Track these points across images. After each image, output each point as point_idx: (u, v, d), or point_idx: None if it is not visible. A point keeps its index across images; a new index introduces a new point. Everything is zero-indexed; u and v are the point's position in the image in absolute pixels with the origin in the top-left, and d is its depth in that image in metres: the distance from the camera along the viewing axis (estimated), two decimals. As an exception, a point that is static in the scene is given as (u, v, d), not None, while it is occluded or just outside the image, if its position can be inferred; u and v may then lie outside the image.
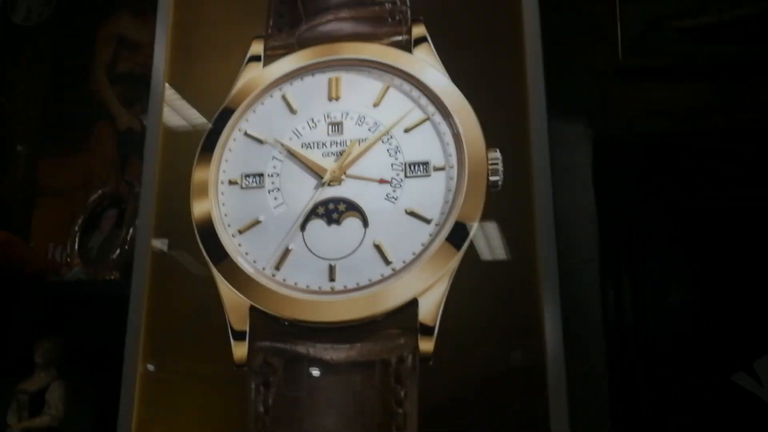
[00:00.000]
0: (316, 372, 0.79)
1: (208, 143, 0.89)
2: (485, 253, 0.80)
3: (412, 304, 0.79)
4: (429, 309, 0.78)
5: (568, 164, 1.26)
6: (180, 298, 0.86)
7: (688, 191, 1.30)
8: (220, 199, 0.87)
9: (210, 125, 0.90)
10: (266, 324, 0.81)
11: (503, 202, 0.81)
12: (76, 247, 1.25)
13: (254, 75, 0.90)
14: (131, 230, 1.21)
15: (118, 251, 1.20)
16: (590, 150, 1.28)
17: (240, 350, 0.81)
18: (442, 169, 0.83)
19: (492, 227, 0.80)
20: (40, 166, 1.42)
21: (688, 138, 1.32)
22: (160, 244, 0.88)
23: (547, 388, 0.76)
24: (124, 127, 1.43)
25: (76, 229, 1.27)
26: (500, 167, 0.81)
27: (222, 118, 0.90)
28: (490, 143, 0.83)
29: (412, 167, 0.84)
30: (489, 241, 0.80)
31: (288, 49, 0.91)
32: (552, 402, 0.76)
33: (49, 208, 1.38)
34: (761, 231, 1.27)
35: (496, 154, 0.82)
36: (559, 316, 0.78)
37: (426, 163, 0.84)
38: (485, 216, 0.81)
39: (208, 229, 0.85)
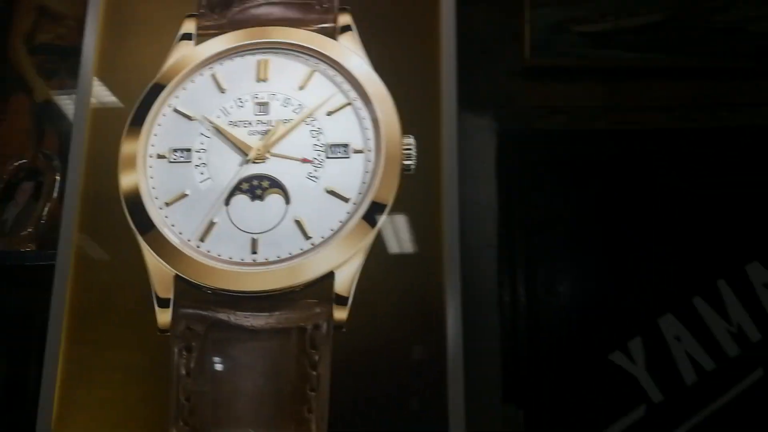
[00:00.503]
0: (236, 337, 0.82)
1: (137, 117, 0.91)
2: (397, 231, 0.86)
3: (329, 277, 0.84)
4: (344, 281, 0.84)
5: (475, 155, 1.35)
6: (106, 268, 0.87)
7: (580, 184, 1.41)
8: (148, 171, 0.89)
9: (139, 100, 0.91)
10: (190, 292, 0.85)
11: (415, 185, 0.88)
12: (-8, 217, 1.23)
13: (185, 53, 0.93)
14: (48, 204, 1.21)
15: (34, 224, 1.20)
16: (495, 142, 1.37)
17: (164, 316, 0.84)
18: (360, 151, 0.89)
19: (404, 207, 0.86)
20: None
21: (583, 135, 1.43)
22: (85, 215, 0.89)
23: (447, 356, 0.83)
24: (42, 99, 1.41)
25: (-9, 200, 1.24)
26: (413, 152, 0.88)
27: (152, 94, 0.92)
28: (406, 129, 0.89)
29: (333, 149, 0.89)
30: (400, 220, 0.86)
31: (219, 30, 0.94)
32: (450, 370, 0.83)
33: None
34: (642, 221, 1.39)
35: (411, 140, 0.88)
36: (460, 294, 0.84)
37: (346, 146, 0.89)
38: (398, 197, 0.86)
39: (135, 201, 0.88)
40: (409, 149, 0.88)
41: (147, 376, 0.85)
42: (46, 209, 1.20)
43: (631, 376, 1.34)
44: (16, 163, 1.26)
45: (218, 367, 0.83)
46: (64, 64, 1.41)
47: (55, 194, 1.22)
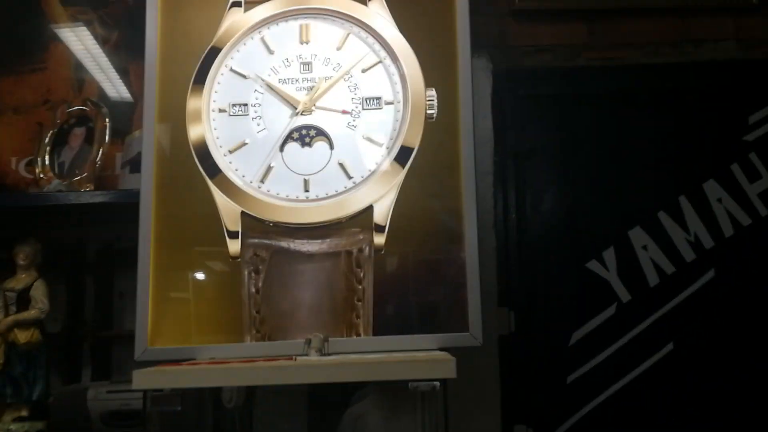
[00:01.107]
0: (296, 260, 1.00)
1: (199, 76, 1.05)
2: (423, 170, 1.03)
3: (369, 209, 1.02)
4: (381, 212, 1.01)
5: (473, 93, 1.50)
6: (182, 205, 1.03)
7: (563, 116, 1.58)
8: (212, 124, 1.04)
9: (200, 61, 1.04)
10: (255, 225, 1.01)
11: (436, 130, 1.04)
12: (47, 161, 1.36)
13: (236, 19, 1.07)
14: (102, 147, 1.34)
15: (91, 167, 1.33)
16: (490, 80, 1.52)
17: (234, 246, 1.01)
18: (391, 103, 1.05)
19: (428, 150, 1.03)
20: (-2, 84, 1.47)
21: (566, 71, 1.59)
22: (161, 163, 1.04)
23: (466, 270, 1.01)
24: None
25: (46, 143, 1.37)
26: (435, 103, 1.03)
27: (210, 56, 1.06)
28: (428, 83, 1.04)
29: (368, 101, 1.05)
30: (428, 160, 1.03)
31: (264, -2, 1.07)
32: (469, 281, 1.01)
33: (8, 125, 1.46)
34: (615, 147, 1.57)
35: (432, 92, 1.04)
36: (475, 224, 1.02)
37: (379, 98, 1.05)
38: (424, 140, 1.02)
39: (203, 150, 1.03)
40: (432, 100, 1.04)
41: (224, 294, 1.02)
42: (101, 153, 1.34)
43: (605, 281, 1.55)
44: (68, 110, 1.37)
45: (282, 285, 1.00)
46: (95, 13, 1.51)
47: (107, 139, 1.35)
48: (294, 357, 0.90)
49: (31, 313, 1.25)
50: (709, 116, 1.59)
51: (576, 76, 1.62)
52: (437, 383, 0.81)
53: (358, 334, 1.00)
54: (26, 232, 1.30)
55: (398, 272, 1.03)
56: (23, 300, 1.26)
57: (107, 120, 1.36)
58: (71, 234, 1.42)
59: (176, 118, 1.05)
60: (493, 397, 1.42)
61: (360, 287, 1.01)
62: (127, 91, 1.48)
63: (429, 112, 1.04)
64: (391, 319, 1.02)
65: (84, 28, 1.49)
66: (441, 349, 0.98)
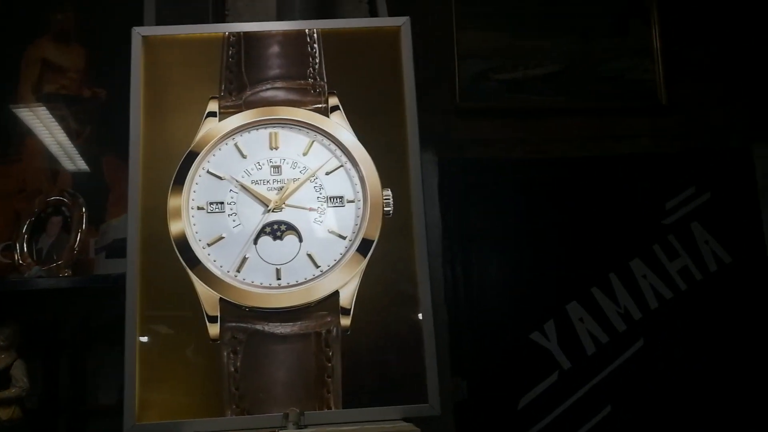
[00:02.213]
0: (270, 342, 1.14)
1: (178, 178, 1.20)
2: (382, 258, 1.19)
3: (335, 295, 1.17)
4: (346, 297, 1.17)
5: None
6: (165, 291, 1.17)
7: (504, 202, 1.78)
8: (191, 220, 1.19)
9: (179, 164, 1.20)
10: (232, 310, 1.15)
11: (394, 225, 1.21)
12: (25, 248, 1.47)
13: (212, 126, 1.23)
14: (79, 235, 1.46)
15: (69, 253, 1.45)
16: (437, 171, 1.73)
17: (214, 329, 1.15)
18: (352, 201, 1.22)
19: (386, 240, 1.20)
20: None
21: (502, 162, 1.81)
22: (145, 250, 1.18)
23: (424, 347, 1.17)
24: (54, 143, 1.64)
25: (24, 231, 1.49)
26: (391, 201, 1.21)
27: (188, 159, 1.21)
28: (384, 183, 1.22)
29: (332, 200, 1.22)
30: (386, 251, 1.19)
31: (237, 109, 1.24)
32: (427, 357, 1.17)
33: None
34: (551, 230, 1.77)
35: (388, 192, 1.22)
36: (430, 303, 1.19)
37: (342, 197, 1.22)
38: (383, 233, 1.19)
39: (183, 243, 1.18)
40: (388, 199, 1.21)
41: (205, 372, 1.15)
42: (78, 240, 1.46)
43: (547, 350, 1.73)
44: (47, 199, 1.50)
45: (259, 363, 1.14)
46: (69, 110, 1.66)
47: (83, 226, 1.48)
48: (276, 430, 1.04)
49: (12, 392, 1.34)
50: (632, 202, 1.82)
51: (512, 166, 1.83)
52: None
53: (329, 407, 1.14)
54: (5, 315, 1.39)
55: (363, 349, 1.18)
56: (3, 379, 1.35)
57: (84, 209, 1.49)
58: (47, 316, 1.53)
59: (158, 214, 1.19)
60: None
61: (329, 365, 1.16)
62: (99, 181, 1.61)
63: (386, 209, 1.22)
64: (358, 392, 1.16)
65: (56, 122, 1.63)
66: (404, 419, 1.13)
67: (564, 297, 1.76)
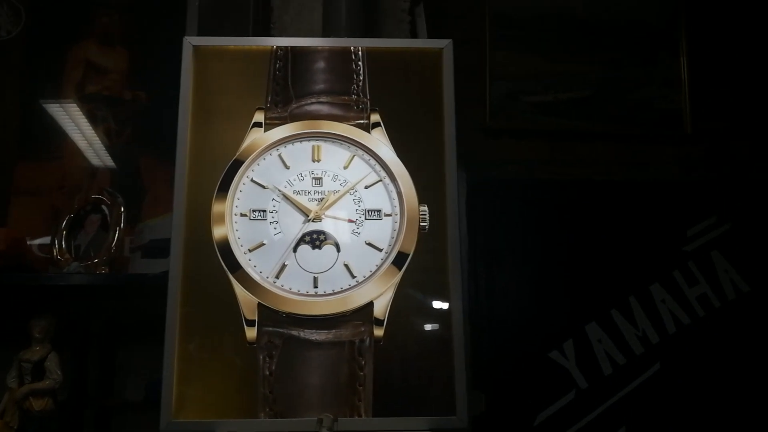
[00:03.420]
0: (305, 348, 1.19)
1: (223, 185, 1.26)
2: (417, 271, 1.24)
3: (369, 305, 1.22)
4: (381, 308, 1.22)
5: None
6: (205, 293, 1.21)
7: (527, 221, 1.83)
8: (234, 226, 1.24)
9: (224, 172, 1.25)
10: (269, 315, 1.20)
11: (429, 239, 1.26)
12: (63, 244, 1.53)
13: (257, 137, 1.28)
14: (117, 233, 1.52)
15: (107, 251, 1.51)
16: (465, 189, 1.77)
17: (251, 333, 1.20)
18: (389, 215, 1.27)
19: (422, 255, 1.24)
20: (16, 168, 1.65)
21: (529, 182, 1.85)
22: (186, 255, 1.23)
23: (454, 360, 1.21)
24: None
25: (63, 227, 1.54)
26: (427, 216, 1.26)
27: (233, 167, 1.26)
28: (421, 199, 1.27)
29: (370, 212, 1.27)
30: (421, 264, 1.24)
31: (282, 121, 1.29)
32: (456, 373, 1.21)
33: (24, 206, 1.63)
34: (574, 251, 1.82)
35: (425, 208, 1.26)
36: (462, 318, 1.24)
37: (379, 211, 1.27)
38: (418, 247, 1.24)
39: (225, 248, 1.23)
40: (425, 214, 1.26)
41: (241, 375, 1.19)
42: (116, 239, 1.52)
43: (565, 369, 1.78)
44: (87, 197, 1.55)
45: (293, 368, 1.19)
46: (110, 111, 1.71)
47: (122, 224, 1.54)
48: None
49: (46, 383, 1.39)
50: (654, 227, 1.86)
51: (539, 187, 1.88)
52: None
53: (360, 415, 1.19)
54: (41, 308, 1.44)
55: (394, 360, 1.22)
56: (38, 371, 1.40)
57: (122, 209, 1.55)
58: (79, 311, 1.58)
59: (201, 219, 1.25)
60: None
61: (361, 374, 1.20)
62: (137, 181, 1.67)
63: (422, 224, 1.27)
64: (388, 402, 1.20)
65: (97, 122, 1.68)
66: (431, 430, 1.18)
67: (584, 317, 1.80)
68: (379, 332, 1.22)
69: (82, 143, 1.68)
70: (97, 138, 1.69)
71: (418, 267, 1.26)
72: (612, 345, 1.81)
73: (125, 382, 1.59)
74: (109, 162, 1.68)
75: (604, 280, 1.85)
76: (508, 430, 1.72)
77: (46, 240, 1.58)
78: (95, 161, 1.68)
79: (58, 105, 1.69)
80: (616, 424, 1.75)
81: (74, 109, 1.70)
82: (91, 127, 1.70)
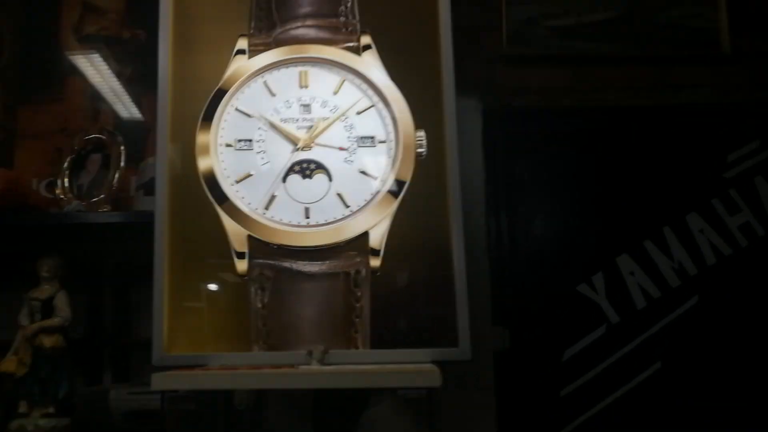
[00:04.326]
0: (298, 280, 1.17)
1: (207, 115, 1.22)
2: (415, 199, 1.20)
3: (365, 235, 1.18)
4: (376, 238, 1.18)
5: (464, 131, 1.69)
6: (193, 226, 1.20)
7: (550, 151, 1.76)
8: (219, 157, 1.21)
9: (208, 101, 1.22)
10: (260, 248, 1.18)
11: (427, 166, 1.21)
12: (66, 184, 1.55)
13: (241, 64, 1.24)
14: (117, 172, 1.52)
15: (108, 190, 1.52)
16: (480, 119, 1.71)
17: (241, 265, 1.17)
18: (384, 142, 1.22)
19: (419, 182, 1.20)
20: (19, 112, 1.67)
21: (551, 111, 1.78)
22: (174, 186, 1.22)
23: (455, 290, 1.17)
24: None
25: (65, 168, 1.56)
26: (424, 142, 1.21)
27: (217, 97, 1.23)
28: (417, 124, 1.22)
29: (363, 140, 1.22)
30: (419, 192, 1.20)
31: (267, 47, 1.25)
32: (458, 300, 1.18)
33: (28, 149, 1.65)
34: (602, 180, 1.74)
35: (422, 133, 1.21)
36: (463, 245, 1.19)
37: (372, 137, 1.22)
38: (414, 174, 1.20)
39: (211, 179, 1.20)
40: (421, 140, 1.21)
41: (233, 307, 1.18)
42: (116, 177, 1.53)
43: (595, 303, 1.72)
44: (85, 137, 1.56)
45: (286, 301, 1.17)
46: (109, 51, 1.71)
47: (122, 164, 1.54)
48: (296, 365, 1.06)
49: (54, 321, 1.42)
50: (690, 154, 1.76)
51: (561, 116, 1.80)
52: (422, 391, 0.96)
53: (356, 347, 1.16)
54: (47, 248, 1.46)
55: (392, 291, 1.19)
56: (47, 309, 1.43)
57: (122, 147, 1.55)
58: (89, 250, 1.60)
59: (186, 150, 1.23)
60: (489, 409, 1.58)
61: (358, 305, 1.18)
62: (140, 119, 1.66)
63: (419, 150, 1.21)
64: (386, 334, 1.18)
65: (101, 60, 1.68)
66: (433, 363, 1.15)
67: (614, 249, 1.73)
68: (375, 263, 1.18)
69: (82, 85, 1.69)
70: (98, 79, 1.69)
71: (416, 195, 1.21)
72: (646, 278, 1.74)
73: (139, 319, 1.62)
74: (112, 102, 1.68)
75: (636, 211, 1.77)
76: (535, 367, 1.68)
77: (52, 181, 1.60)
78: (97, 102, 1.69)
79: (56, 47, 1.69)
80: (650, 360, 1.69)
81: (73, 51, 1.70)
82: (91, 68, 1.69)
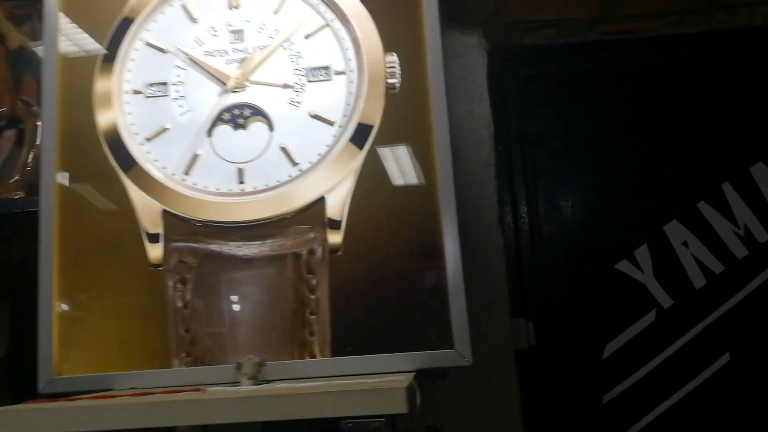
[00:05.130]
0: (230, 267, 0.84)
1: (109, 54, 0.92)
2: (386, 151, 0.87)
3: (320, 202, 0.86)
4: (336, 205, 0.85)
5: (464, 74, 1.34)
6: (91, 206, 0.89)
7: (577, 97, 1.40)
8: (125, 108, 0.90)
9: (109, 36, 0.91)
10: (179, 226, 0.87)
11: (401, 105, 0.88)
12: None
13: (152, -16, 0.92)
14: (32, 150, 1.22)
15: (20, 171, 1.22)
16: (485, 60, 1.36)
17: (155, 251, 0.87)
18: (342, 73, 0.90)
19: (391, 127, 0.87)
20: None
21: (573, 48, 1.42)
22: (66, 157, 0.90)
23: (447, 276, 0.84)
24: (15, 46, 1.40)
25: (-25, 149, 1.26)
26: (397, 70, 0.88)
27: (122, 29, 0.93)
28: (388, 48, 0.89)
29: (314, 72, 0.90)
30: (390, 140, 0.87)
31: (184, -43, 0.93)
32: (451, 291, 0.84)
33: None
34: (641, 129, 1.39)
35: (394, 58, 0.89)
36: (455, 214, 0.85)
37: (327, 68, 0.90)
38: (385, 117, 0.86)
39: (115, 139, 0.89)
40: (393, 67, 0.89)
41: (145, 311, 0.86)
42: (31, 156, 1.22)
43: (640, 284, 1.36)
44: (-4, 110, 1.27)
45: (215, 297, 0.85)
46: (34, 9, 1.40)
47: (37, 141, 1.24)
48: (223, 385, 0.73)
49: None
50: (751, 93, 1.40)
51: (587, 52, 1.45)
52: (380, 421, 0.62)
53: (313, 355, 0.84)
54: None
55: (360, 278, 0.87)
56: None
57: (38, 121, 1.25)
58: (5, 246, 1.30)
59: (81, 104, 0.91)
60: (512, 424, 1.24)
61: (313, 297, 0.85)
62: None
63: (390, 81, 0.89)
64: (352, 336, 0.85)
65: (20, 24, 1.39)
66: (425, 371, 0.81)
67: (660, 215, 1.38)
68: (335, 238, 0.86)
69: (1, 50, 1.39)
70: (19, 41, 1.39)
71: (388, 144, 0.88)
72: (703, 248, 1.38)
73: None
74: (37, 68, 1.38)
75: (686, 167, 1.41)
76: (568, 367, 1.33)
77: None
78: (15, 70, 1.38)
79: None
80: (716, 352, 1.33)
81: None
82: (11, 30, 1.39)
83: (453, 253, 0.85)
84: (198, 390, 0.69)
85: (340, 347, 0.84)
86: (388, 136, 0.88)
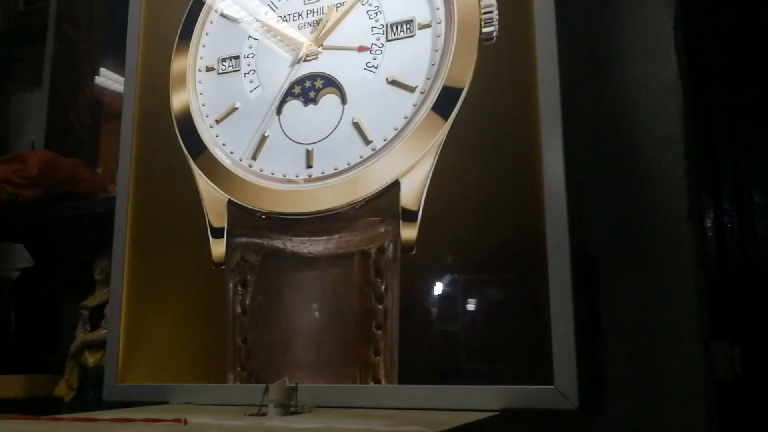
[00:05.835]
0: (293, 267, 0.70)
1: (185, 30, 0.84)
2: (477, 123, 0.67)
3: (393, 187, 0.68)
4: (412, 191, 0.69)
5: (641, 29, 1.06)
6: (160, 203, 0.80)
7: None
8: (197, 87, 0.82)
9: (186, 10, 0.82)
10: (243, 219, 0.74)
11: (499, 60, 0.67)
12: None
13: (229, -50, 0.82)
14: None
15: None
16: (672, 10, 1.06)
17: (218, 248, 0.76)
18: (428, 26, 0.72)
19: (486, 90, 0.67)
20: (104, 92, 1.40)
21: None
22: (143, 145, 0.82)
23: (549, 288, 0.62)
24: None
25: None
26: (495, 15, 0.68)
27: (198, 2, 0.82)
28: (485, -11, 0.69)
29: (395, 28, 0.73)
30: (482, 106, 0.67)
31: None
32: (553, 304, 0.61)
33: (114, 133, 1.37)
34: None
35: (491, 1, 0.67)
36: (565, 205, 0.63)
37: (410, 21, 0.73)
38: (477, 77, 0.67)
39: (186, 122, 0.80)
40: (490, 11, 0.68)
41: (205, 316, 0.75)
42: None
43: None
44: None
45: (276, 302, 0.71)
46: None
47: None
48: (185, 420, 0.58)
49: (100, 333, 1.07)
50: None
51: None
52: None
53: (377, 380, 0.67)
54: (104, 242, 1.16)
55: (437, 285, 0.67)
56: (96, 318, 1.10)
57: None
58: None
59: (160, 83, 0.83)
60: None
61: (380, 307, 0.68)
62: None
63: (486, 30, 0.69)
64: (426, 359, 0.66)
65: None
66: (513, 410, 0.60)
67: None
68: (409, 233, 0.68)
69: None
70: None
71: (480, 114, 0.68)
72: None
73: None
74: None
75: None
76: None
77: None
78: None
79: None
80: None
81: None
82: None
83: (559, 257, 0.62)
84: (178, 421, 0.55)
85: (408, 372, 0.66)
86: (480, 102, 0.68)
